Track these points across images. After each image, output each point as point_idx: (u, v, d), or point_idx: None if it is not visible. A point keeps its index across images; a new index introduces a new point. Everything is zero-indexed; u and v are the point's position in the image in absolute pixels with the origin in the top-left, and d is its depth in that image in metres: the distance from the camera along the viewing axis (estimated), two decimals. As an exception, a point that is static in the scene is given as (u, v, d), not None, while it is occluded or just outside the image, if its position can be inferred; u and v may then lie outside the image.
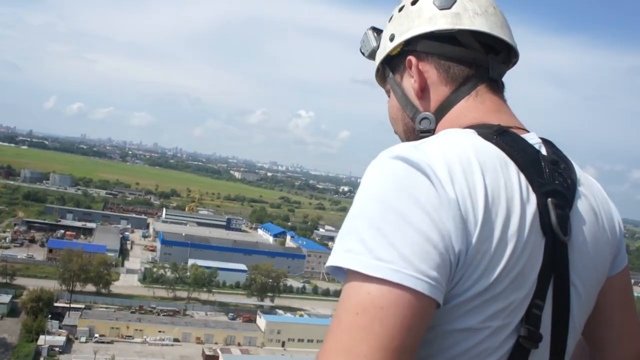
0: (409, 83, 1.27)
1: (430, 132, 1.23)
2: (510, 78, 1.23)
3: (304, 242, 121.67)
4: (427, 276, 0.91)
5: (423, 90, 1.24)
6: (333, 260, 0.96)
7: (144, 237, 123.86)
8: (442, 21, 1.22)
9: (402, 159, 0.98)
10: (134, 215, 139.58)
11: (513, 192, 1.01)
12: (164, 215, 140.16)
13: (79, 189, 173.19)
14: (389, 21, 1.33)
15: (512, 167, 1.04)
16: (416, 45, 1.24)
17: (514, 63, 1.32)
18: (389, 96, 1.37)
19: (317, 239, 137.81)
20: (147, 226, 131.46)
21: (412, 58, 1.24)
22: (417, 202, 0.94)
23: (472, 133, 1.09)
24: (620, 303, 1.30)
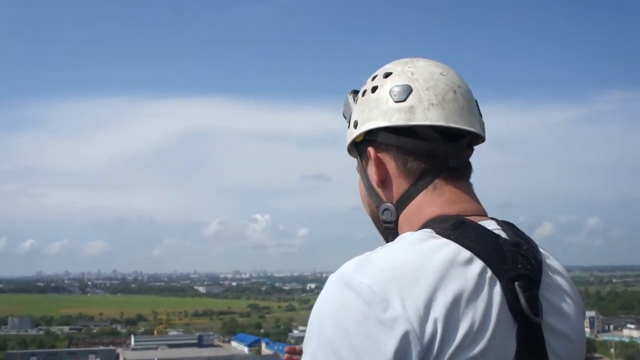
0: (372, 172, 1.24)
1: (392, 223, 1.22)
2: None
3: (280, 347, 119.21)
4: None
5: (384, 182, 1.22)
6: None
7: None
8: (396, 117, 1.18)
9: (343, 283, 0.98)
10: (102, 347, 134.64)
11: (476, 287, 0.98)
12: (133, 343, 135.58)
13: (40, 329, 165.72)
14: (355, 102, 1.30)
15: (474, 260, 1.01)
16: (377, 136, 1.22)
17: (481, 142, 1.27)
18: (358, 172, 1.32)
19: (292, 341, 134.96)
20: (117, 357, 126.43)
21: (371, 150, 1.22)
22: (347, 335, 0.94)
23: (428, 234, 1.06)
24: None
